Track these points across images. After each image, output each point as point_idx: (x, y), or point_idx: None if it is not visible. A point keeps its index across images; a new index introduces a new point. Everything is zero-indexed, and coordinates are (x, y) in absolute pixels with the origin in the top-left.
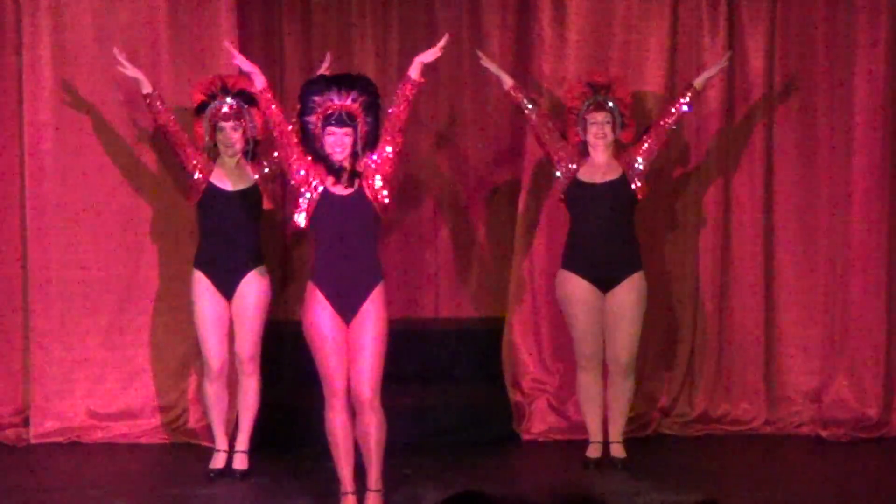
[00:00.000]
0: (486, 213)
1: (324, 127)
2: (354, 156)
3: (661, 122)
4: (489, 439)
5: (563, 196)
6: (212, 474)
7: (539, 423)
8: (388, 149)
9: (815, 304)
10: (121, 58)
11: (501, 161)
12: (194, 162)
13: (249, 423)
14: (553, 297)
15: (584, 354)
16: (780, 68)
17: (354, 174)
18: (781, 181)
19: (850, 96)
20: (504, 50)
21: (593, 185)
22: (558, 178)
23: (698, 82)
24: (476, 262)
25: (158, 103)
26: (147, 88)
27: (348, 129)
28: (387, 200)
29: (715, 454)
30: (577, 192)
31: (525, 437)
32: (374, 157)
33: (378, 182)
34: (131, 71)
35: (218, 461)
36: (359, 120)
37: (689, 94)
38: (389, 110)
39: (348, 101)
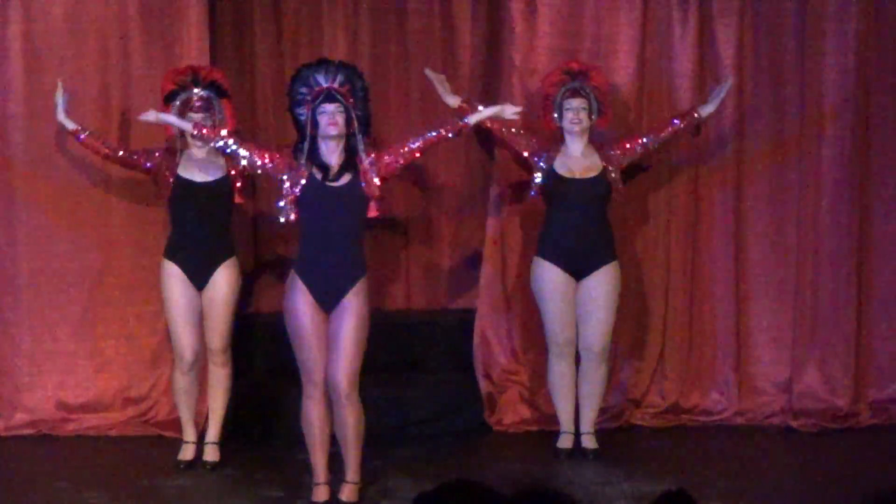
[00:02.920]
0: (457, 203)
1: (315, 108)
2: (348, 148)
3: (650, 136)
4: (460, 430)
5: (540, 189)
6: (181, 466)
7: (510, 414)
8: (389, 160)
9: (786, 295)
10: (61, 99)
11: (471, 153)
12: (156, 169)
13: (220, 415)
14: (524, 289)
15: (556, 342)
16: (750, 58)
17: (347, 166)
18: (751, 172)
19: (820, 88)
20: (475, 41)
21: (573, 180)
22: (536, 181)
23: (704, 113)
24: (447, 253)
25: (89, 138)
26: (71, 125)
27: (339, 105)
28: (375, 211)
29: (686, 445)
30: (556, 185)
31: (496, 428)
32: (371, 161)
33: (376, 180)
34: (60, 114)
35: (187, 453)
36: (349, 103)
37: (688, 120)
38: (415, 142)
39: (336, 84)
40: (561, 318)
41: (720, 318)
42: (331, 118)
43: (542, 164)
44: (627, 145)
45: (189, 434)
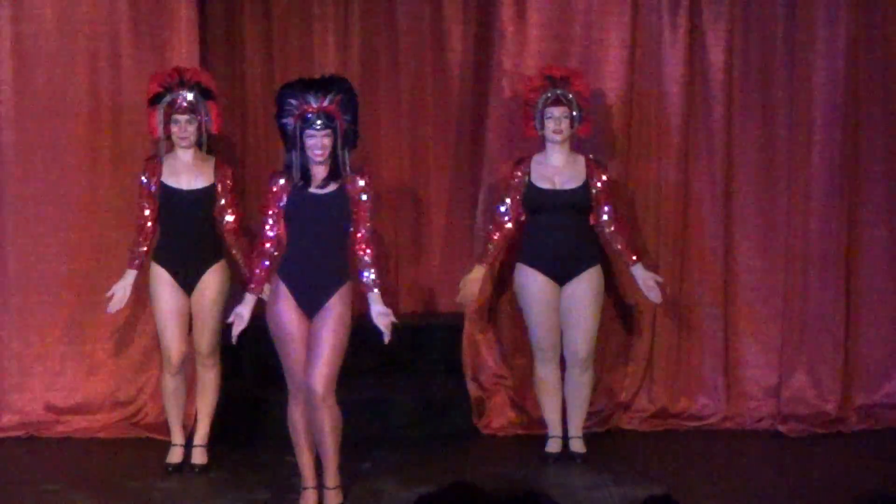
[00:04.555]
0: (446, 206)
1: (302, 130)
2: (334, 156)
3: (607, 226)
4: (449, 434)
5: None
6: (168, 468)
7: (498, 417)
8: (362, 229)
9: (774, 299)
10: (115, 301)
11: (461, 156)
12: (146, 203)
13: (208, 418)
14: (512, 292)
15: (540, 347)
16: (740, 63)
17: (333, 176)
18: (741, 176)
19: (810, 92)
20: (465, 45)
21: (552, 192)
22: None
23: (632, 269)
24: (436, 256)
25: (142, 256)
26: (132, 276)
27: (327, 131)
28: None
29: (674, 449)
30: (535, 197)
31: (484, 431)
32: (355, 193)
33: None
34: (125, 291)
35: (174, 456)
36: (337, 120)
37: (622, 255)
38: (361, 256)
39: (325, 103)
40: (545, 323)
41: (708, 322)
42: (317, 144)
43: (523, 186)
44: (602, 199)
45: (177, 437)
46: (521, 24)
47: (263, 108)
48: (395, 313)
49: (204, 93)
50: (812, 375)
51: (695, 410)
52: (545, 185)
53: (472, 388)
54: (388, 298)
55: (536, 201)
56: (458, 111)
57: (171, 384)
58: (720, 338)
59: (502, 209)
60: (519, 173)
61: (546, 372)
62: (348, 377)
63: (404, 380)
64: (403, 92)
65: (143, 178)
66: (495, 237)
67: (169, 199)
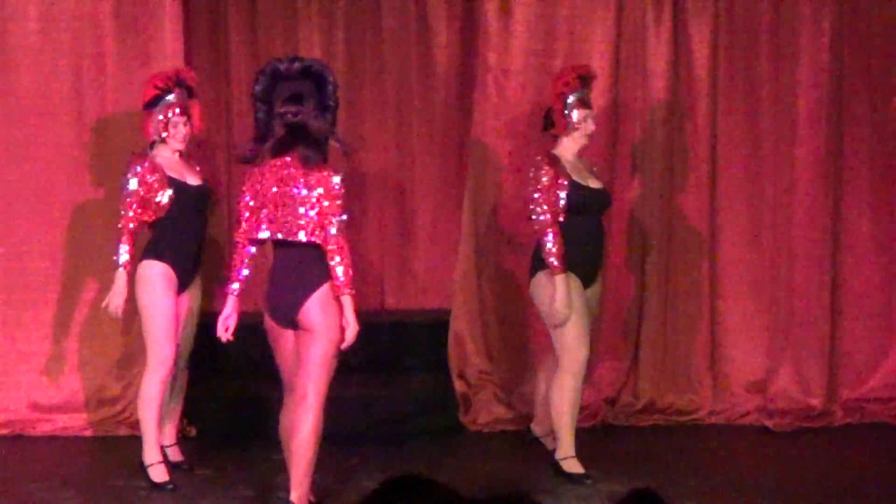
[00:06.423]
0: (432, 204)
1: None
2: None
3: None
4: (435, 430)
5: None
6: (167, 487)
7: (485, 413)
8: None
9: (760, 295)
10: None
11: (447, 151)
12: (134, 203)
13: (178, 416)
14: (498, 288)
15: (580, 360)
16: (725, 58)
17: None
18: (726, 172)
19: (794, 87)
20: (450, 40)
21: (592, 189)
22: (562, 202)
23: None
24: (421, 252)
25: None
26: (123, 279)
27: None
28: None
29: (660, 444)
30: (580, 195)
31: (471, 427)
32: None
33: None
34: (121, 291)
35: (162, 474)
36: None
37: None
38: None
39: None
40: (587, 330)
41: (695, 317)
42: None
43: (564, 186)
44: None
45: (158, 453)
46: (506, 20)
47: (248, 106)
48: (381, 309)
49: (189, 92)
50: (798, 370)
51: (681, 405)
52: (583, 182)
53: (459, 385)
54: (374, 293)
55: (582, 200)
56: (443, 106)
57: (163, 391)
58: (706, 332)
59: (542, 215)
60: (561, 176)
61: (580, 387)
62: (335, 375)
63: (390, 376)
64: (389, 87)
65: (133, 178)
66: (554, 248)
67: (180, 194)
